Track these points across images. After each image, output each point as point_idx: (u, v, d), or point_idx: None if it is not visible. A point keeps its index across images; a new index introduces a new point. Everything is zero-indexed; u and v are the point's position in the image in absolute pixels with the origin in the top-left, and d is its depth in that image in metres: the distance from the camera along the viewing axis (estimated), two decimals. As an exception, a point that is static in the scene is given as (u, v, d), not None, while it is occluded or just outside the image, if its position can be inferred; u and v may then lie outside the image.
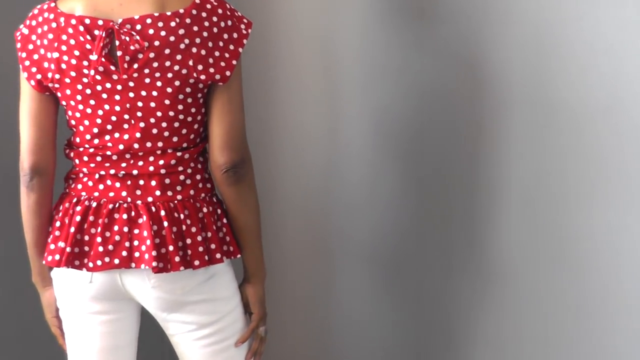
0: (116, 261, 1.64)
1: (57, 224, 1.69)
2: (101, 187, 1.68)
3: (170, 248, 1.63)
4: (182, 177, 1.67)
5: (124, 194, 1.66)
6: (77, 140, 1.69)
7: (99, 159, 1.67)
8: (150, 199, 1.66)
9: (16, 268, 2.01)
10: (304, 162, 2.33)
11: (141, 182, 1.67)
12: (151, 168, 1.66)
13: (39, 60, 1.64)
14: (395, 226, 2.18)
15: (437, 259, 2.10)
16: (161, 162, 1.66)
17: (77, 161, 1.71)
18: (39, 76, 1.64)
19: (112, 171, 1.66)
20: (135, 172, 1.66)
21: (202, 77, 1.62)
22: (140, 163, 1.66)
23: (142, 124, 1.64)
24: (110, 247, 1.65)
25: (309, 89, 2.27)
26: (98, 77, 1.60)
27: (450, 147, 2.03)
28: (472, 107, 1.97)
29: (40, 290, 1.82)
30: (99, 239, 1.65)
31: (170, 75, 1.61)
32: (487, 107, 1.94)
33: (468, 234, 2.02)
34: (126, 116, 1.63)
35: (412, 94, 2.06)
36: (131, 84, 1.60)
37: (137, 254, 1.64)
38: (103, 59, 1.58)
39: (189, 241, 1.65)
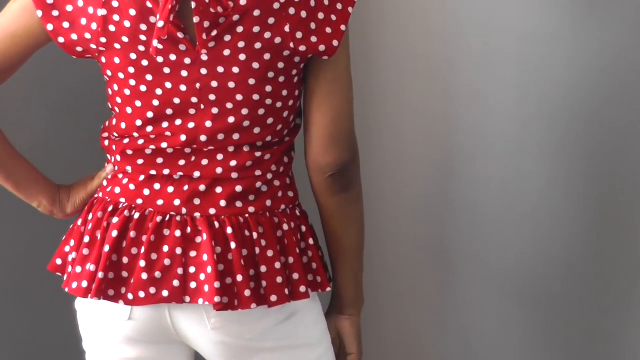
0: (165, 293, 1.46)
1: (86, 239, 1.50)
2: (147, 192, 1.49)
3: (239, 278, 1.45)
4: (258, 184, 1.50)
5: (177, 202, 1.47)
6: (122, 126, 1.49)
7: (148, 152, 1.48)
8: (212, 211, 1.47)
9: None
10: (416, 158, 2.14)
11: (202, 187, 1.48)
12: (219, 170, 1.48)
13: (74, 14, 1.44)
14: (552, 248, 1.97)
15: (610, 296, 1.90)
16: (233, 162, 1.48)
17: (117, 157, 1.51)
18: (74, 36, 1.44)
19: (166, 171, 1.48)
20: (196, 174, 1.48)
21: (302, 48, 1.44)
22: (205, 162, 1.48)
23: (215, 110, 1.46)
24: (158, 274, 1.46)
25: (430, 59, 2.05)
26: (160, 47, 1.42)
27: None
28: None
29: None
30: (142, 263, 1.46)
31: (258, 45, 1.43)
32: None
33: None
34: (194, 99, 1.46)
35: (590, 69, 1.86)
36: (204, 57, 1.43)
37: (193, 285, 1.46)
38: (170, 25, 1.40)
39: (263, 269, 1.47)
